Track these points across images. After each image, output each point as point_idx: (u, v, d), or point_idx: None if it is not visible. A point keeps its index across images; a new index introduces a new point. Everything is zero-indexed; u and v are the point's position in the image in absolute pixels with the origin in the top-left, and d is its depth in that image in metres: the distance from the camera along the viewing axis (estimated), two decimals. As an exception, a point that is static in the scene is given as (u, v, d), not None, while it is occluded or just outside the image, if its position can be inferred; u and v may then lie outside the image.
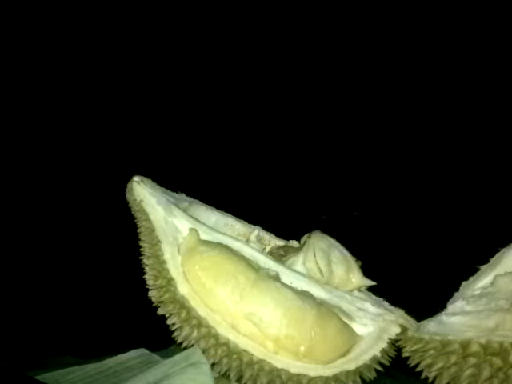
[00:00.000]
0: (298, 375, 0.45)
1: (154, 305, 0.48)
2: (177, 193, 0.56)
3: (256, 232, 0.56)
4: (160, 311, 0.47)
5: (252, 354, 0.45)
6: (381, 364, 0.47)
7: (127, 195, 0.52)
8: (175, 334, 0.47)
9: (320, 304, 0.48)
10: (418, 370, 0.45)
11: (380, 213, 0.84)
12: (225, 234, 0.52)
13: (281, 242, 0.57)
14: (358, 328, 0.49)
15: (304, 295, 0.48)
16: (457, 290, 0.51)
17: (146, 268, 0.49)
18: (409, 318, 0.50)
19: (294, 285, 0.50)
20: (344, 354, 0.47)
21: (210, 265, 0.47)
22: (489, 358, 0.40)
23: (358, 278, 0.52)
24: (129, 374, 0.50)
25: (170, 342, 0.48)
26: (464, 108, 0.93)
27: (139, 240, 0.51)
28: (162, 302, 0.47)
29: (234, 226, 0.57)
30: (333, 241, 0.53)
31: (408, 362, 0.46)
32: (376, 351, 0.47)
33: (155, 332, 0.49)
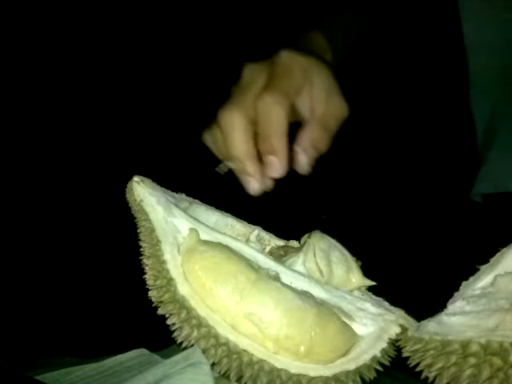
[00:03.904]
0: (298, 375, 0.45)
1: (154, 305, 0.48)
2: (177, 193, 0.56)
3: (256, 232, 0.56)
4: (160, 311, 0.47)
5: (252, 354, 0.45)
6: (381, 364, 0.47)
7: (127, 195, 0.52)
8: (175, 334, 0.47)
9: (320, 304, 0.48)
10: (417, 370, 0.45)
11: (380, 213, 0.84)
12: (225, 234, 0.52)
13: (281, 242, 0.57)
14: (358, 328, 0.49)
15: (304, 295, 0.48)
16: (457, 289, 0.51)
17: (146, 268, 0.49)
18: (409, 318, 0.50)
19: (293, 285, 0.50)
20: (344, 354, 0.47)
21: (210, 265, 0.47)
22: (489, 357, 0.40)
23: (358, 278, 0.52)
24: (129, 374, 0.50)
25: (170, 341, 0.48)
26: (461, 109, 0.93)
27: (139, 240, 0.50)
28: (162, 301, 0.47)
29: (233, 226, 0.57)
30: (333, 241, 0.53)
31: (408, 362, 0.46)
32: (376, 351, 0.47)
33: (155, 332, 0.49)
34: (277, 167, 0.55)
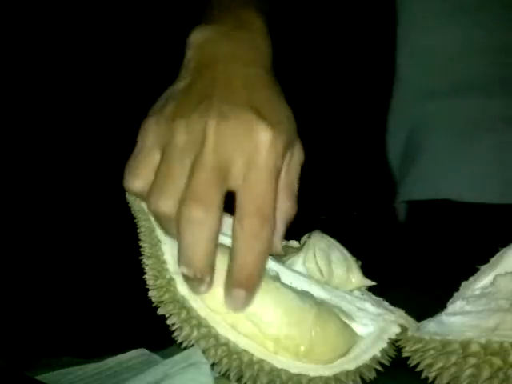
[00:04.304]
0: (298, 375, 0.45)
1: (154, 305, 0.48)
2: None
3: (256, 232, 0.55)
4: (160, 311, 0.47)
5: (252, 354, 0.45)
6: (381, 364, 0.47)
7: (127, 195, 0.52)
8: (175, 334, 0.47)
9: (320, 304, 0.48)
10: (418, 369, 0.45)
11: (380, 213, 0.84)
12: (225, 233, 0.52)
13: (281, 242, 0.57)
14: (358, 328, 0.49)
15: (304, 295, 0.48)
16: (457, 290, 0.51)
17: (146, 268, 0.49)
18: (409, 317, 0.50)
19: (294, 285, 0.50)
20: (344, 354, 0.47)
21: (209, 265, 0.47)
22: (489, 358, 0.40)
23: (358, 278, 0.52)
24: (129, 374, 0.50)
25: (170, 341, 0.48)
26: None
27: (139, 240, 0.50)
28: (162, 301, 0.47)
29: (234, 226, 0.57)
30: (333, 241, 0.53)
31: (408, 362, 0.46)
32: (376, 351, 0.47)
33: (155, 332, 0.49)
34: (242, 302, 0.45)
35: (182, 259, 0.45)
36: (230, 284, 0.45)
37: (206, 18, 0.55)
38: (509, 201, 0.71)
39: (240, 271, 0.45)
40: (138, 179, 0.46)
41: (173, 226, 0.45)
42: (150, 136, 0.46)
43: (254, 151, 0.44)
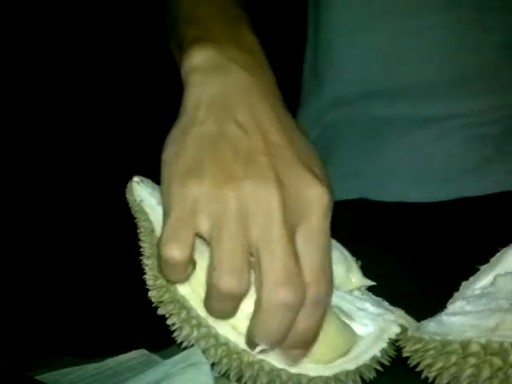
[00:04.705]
0: (298, 375, 0.45)
1: (154, 305, 0.48)
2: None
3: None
4: (160, 311, 0.47)
5: (252, 354, 0.45)
6: (381, 364, 0.47)
7: (127, 195, 0.52)
8: (175, 333, 0.47)
9: (320, 304, 0.48)
10: (418, 369, 0.45)
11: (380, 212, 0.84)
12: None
13: (281, 243, 0.57)
14: (358, 328, 0.49)
15: (304, 295, 0.48)
16: (457, 290, 0.51)
17: (146, 268, 0.49)
18: (409, 317, 0.50)
19: (293, 285, 0.50)
20: (344, 354, 0.47)
21: (209, 265, 0.47)
22: (489, 358, 0.40)
23: (357, 278, 0.52)
24: (129, 374, 0.50)
25: (170, 342, 0.48)
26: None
27: (139, 240, 0.51)
28: (162, 301, 0.47)
29: (234, 226, 0.57)
30: (333, 241, 0.53)
31: (408, 362, 0.46)
32: (376, 351, 0.47)
33: (155, 332, 0.50)
34: (299, 359, 0.45)
35: (260, 335, 0.43)
36: (289, 345, 0.44)
37: (194, 30, 0.49)
38: (417, 199, 0.72)
39: (302, 337, 0.44)
40: (180, 247, 0.42)
41: (234, 302, 0.43)
42: (192, 199, 0.41)
43: (316, 216, 0.42)
